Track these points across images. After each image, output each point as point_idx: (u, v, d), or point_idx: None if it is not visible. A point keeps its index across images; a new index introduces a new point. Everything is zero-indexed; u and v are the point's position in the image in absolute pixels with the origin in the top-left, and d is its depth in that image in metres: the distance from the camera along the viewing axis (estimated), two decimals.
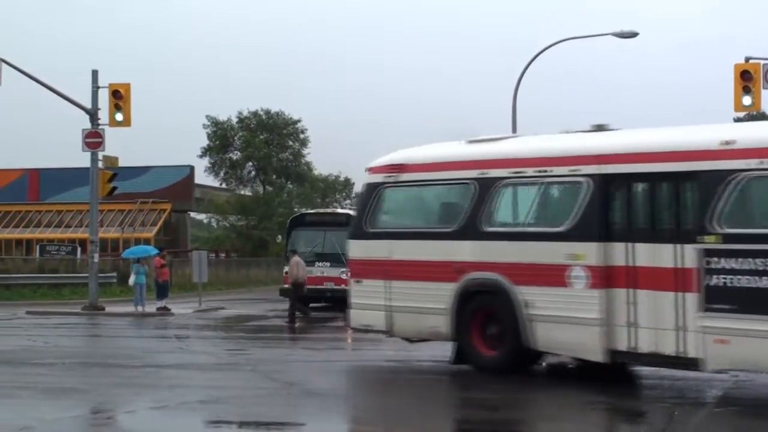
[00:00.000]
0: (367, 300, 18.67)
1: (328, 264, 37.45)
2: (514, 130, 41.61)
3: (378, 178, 19.04)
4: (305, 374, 18.31)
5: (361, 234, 19.19)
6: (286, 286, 36.53)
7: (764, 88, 30.48)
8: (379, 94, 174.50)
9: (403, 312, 18.18)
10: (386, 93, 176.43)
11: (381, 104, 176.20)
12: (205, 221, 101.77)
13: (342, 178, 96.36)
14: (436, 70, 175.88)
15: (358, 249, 19.24)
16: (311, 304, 37.79)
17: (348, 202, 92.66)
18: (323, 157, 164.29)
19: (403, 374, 18.52)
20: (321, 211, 47.04)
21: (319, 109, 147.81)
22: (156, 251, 39.64)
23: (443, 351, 18.56)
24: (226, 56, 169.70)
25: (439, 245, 17.83)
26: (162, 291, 36.95)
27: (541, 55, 41.09)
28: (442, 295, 17.54)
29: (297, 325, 31.30)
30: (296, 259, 34.09)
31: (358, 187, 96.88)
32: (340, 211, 46.56)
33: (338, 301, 38.43)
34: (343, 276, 36.51)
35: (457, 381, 17.26)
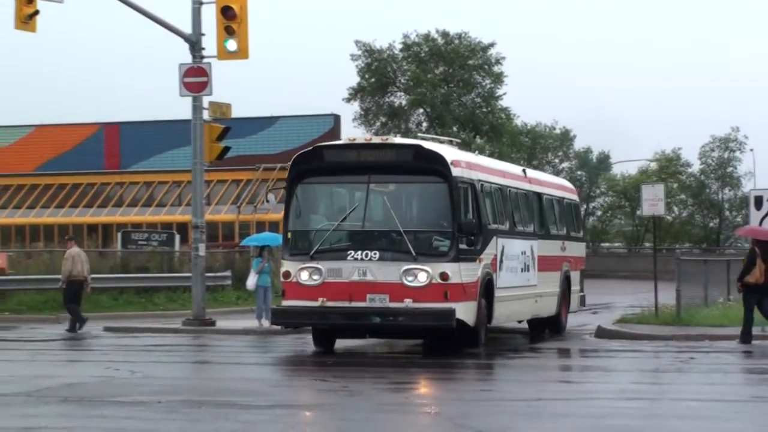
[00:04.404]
0: None
1: (376, 255, 27.63)
2: None
3: None
4: (507, 419, 18.33)
5: None
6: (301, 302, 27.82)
7: None
8: (601, 20, 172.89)
9: None
10: (618, 18, 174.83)
11: (603, 33, 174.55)
12: None
13: (558, 130, 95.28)
14: None
15: None
16: (337, 339, 29.69)
17: (567, 164, 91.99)
18: (528, 101, 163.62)
19: (638, 419, 18.42)
20: (358, 142, 30.45)
21: (524, 37, 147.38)
22: None
23: None
24: None
25: None
26: None
27: None
28: None
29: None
30: (75, 250, 35.65)
31: (581, 142, 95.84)
32: (398, 140, 31.76)
33: (393, 333, 29.85)
34: (409, 280, 27.48)
35: None
